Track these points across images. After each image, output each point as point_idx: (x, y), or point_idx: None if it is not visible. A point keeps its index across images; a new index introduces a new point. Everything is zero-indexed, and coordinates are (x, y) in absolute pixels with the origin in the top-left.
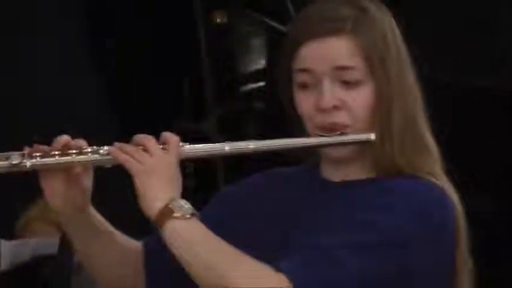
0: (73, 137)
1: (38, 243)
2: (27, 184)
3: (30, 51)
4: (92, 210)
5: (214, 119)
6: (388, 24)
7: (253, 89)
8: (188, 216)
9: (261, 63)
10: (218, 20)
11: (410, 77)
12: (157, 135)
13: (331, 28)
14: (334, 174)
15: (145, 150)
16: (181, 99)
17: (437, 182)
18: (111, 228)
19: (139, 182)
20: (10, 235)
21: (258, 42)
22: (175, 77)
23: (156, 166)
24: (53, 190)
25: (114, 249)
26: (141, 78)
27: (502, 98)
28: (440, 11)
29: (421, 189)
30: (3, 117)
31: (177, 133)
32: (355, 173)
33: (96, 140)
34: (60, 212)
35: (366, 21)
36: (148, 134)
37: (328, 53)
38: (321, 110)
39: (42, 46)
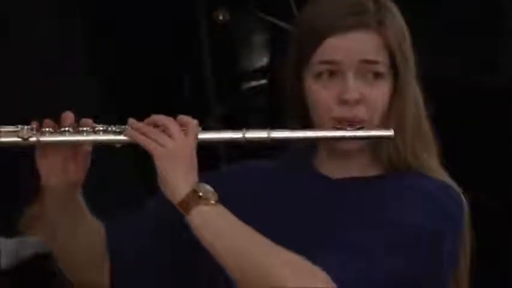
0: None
1: (39, 241)
2: (29, 181)
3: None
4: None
5: (217, 117)
6: (403, 21)
7: (255, 87)
8: (213, 202)
9: (263, 61)
10: (220, 18)
11: (415, 75)
12: None
13: (358, 22)
14: (334, 168)
15: (164, 131)
16: (183, 98)
17: (449, 181)
18: (87, 210)
19: (162, 166)
20: (11, 233)
21: (260, 40)
22: (177, 76)
23: (179, 150)
24: (52, 166)
25: (91, 231)
26: (142, 76)
27: (499, 96)
28: (437, 9)
29: (443, 188)
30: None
31: None
32: (357, 167)
33: None
34: (53, 189)
35: (389, 17)
36: None
37: (355, 46)
38: (343, 102)
39: (42, 45)
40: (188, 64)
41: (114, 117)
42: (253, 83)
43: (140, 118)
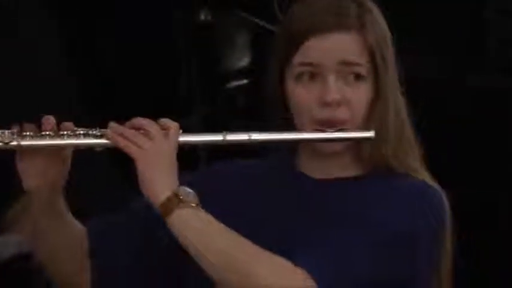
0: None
1: (21, 240)
2: (11, 181)
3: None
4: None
5: (199, 117)
6: (385, 23)
7: (238, 87)
8: (194, 204)
9: (245, 61)
10: (203, 19)
11: (396, 76)
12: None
13: (339, 23)
14: (315, 169)
15: (145, 134)
16: (166, 98)
17: (431, 182)
18: (68, 212)
19: (143, 169)
20: None
21: (243, 41)
22: (160, 76)
23: (160, 152)
24: (32, 170)
25: (73, 233)
26: (125, 77)
27: (486, 96)
28: (424, 7)
29: (423, 189)
30: None
31: None
32: (338, 168)
33: None
34: (33, 192)
35: (370, 19)
36: None
37: (336, 47)
38: (325, 104)
39: (21, 46)
40: (171, 64)
41: (96, 119)
42: (236, 83)
43: (123, 118)
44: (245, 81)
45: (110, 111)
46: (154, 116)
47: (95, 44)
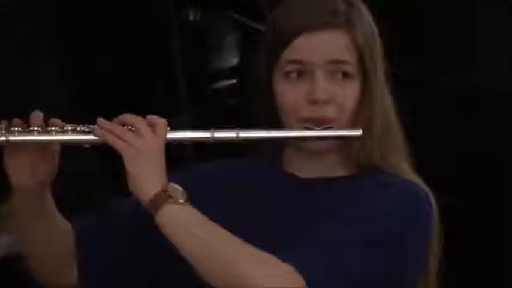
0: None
1: (11, 240)
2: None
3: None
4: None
5: (188, 116)
6: (373, 22)
7: (226, 86)
8: (182, 201)
9: (233, 61)
10: (191, 18)
11: (384, 76)
12: None
13: (327, 21)
14: (302, 168)
15: (133, 130)
16: (155, 98)
17: (419, 182)
18: (56, 210)
19: (131, 165)
20: None
21: (230, 40)
22: (149, 75)
23: (148, 149)
24: (20, 166)
25: (60, 231)
26: (113, 77)
27: (465, 97)
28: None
29: (412, 189)
30: None
31: None
32: (325, 167)
33: None
34: (21, 189)
35: (358, 17)
36: None
37: (324, 46)
38: (312, 102)
39: (12, 45)
40: (160, 64)
41: (86, 118)
42: (225, 83)
43: (111, 118)
44: (234, 80)
45: (98, 110)
46: (140, 115)
47: (84, 43)
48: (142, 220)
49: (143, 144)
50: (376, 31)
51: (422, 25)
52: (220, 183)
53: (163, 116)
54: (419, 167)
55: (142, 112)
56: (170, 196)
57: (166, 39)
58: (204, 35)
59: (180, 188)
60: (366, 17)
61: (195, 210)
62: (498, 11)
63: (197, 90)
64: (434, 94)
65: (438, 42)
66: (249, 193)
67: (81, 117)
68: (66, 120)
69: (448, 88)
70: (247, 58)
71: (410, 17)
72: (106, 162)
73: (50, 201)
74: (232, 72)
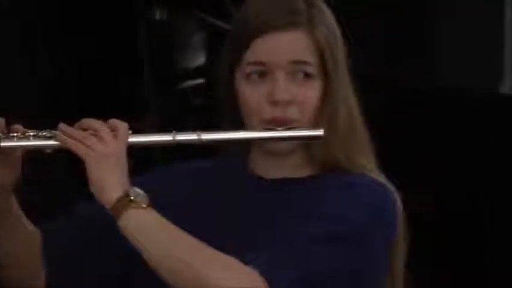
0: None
1: None
2: None
3: None
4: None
5: (154, 116)
6: (334, 22)
7: (192, 86)
8: (145, 205)
9: (200, 60)
10: (158, 17)
11: (347, 75)
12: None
13: (288, 22)
14: (267, 169)
15: (94, 135)
16: (121, 98)
17: (384, 181)
18: (22, 214)
19: (92, 170)
20: None
21: (198, 40)
22: (114, 75)
23: (109, 153)
24: None
25: (27, 236)
26: (79, 76)
27: (437, 97)
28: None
29: (376, 188)
30: None
31: None
32: (290, 168)
33: None
34: None
35: (319, 17)
36: None
37: (284, 46)
38: (274, 103)
39: None
40: (126, 64)
41: (52, 118)
42: (192, 83)
43: (78, 117)
44: (201, 80)
45: (64, 110)
46: (110, 116)
47: (50, 43)
48: (109, 224)
49: (104, 149)
50: (338, 31)
51: (390, 25)
52: (187, 185)
53: (129, 116)
54: (387, 167)
55: (109, 112)
56: (132, 201)
57: (133, 38)
58: (171, 35)
59: (142, 192)
60: (327, 17)
61: (158, 215)
62: (464, 11)
63: (164, 90)
64: (403, 94)
65: (404, 42)
66: (216, 195)
67: (47, 117)
68: (31, 119)
69: (416, 89)
70: (214, 58)
71: (377, 17)
72: (72, 165)
73: (15, 206)
74: (199, 71)
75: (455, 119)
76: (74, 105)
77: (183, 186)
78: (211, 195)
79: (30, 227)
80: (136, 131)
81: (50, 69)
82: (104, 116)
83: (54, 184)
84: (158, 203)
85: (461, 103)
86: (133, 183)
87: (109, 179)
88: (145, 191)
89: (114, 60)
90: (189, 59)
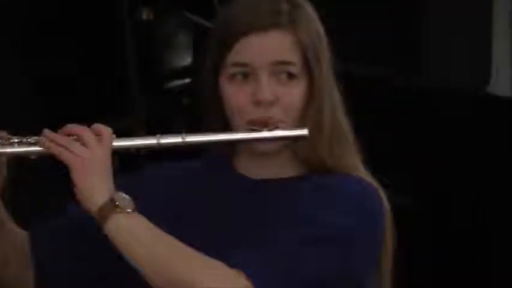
0: None
1: None
2: None
3: None
4: None
5: (140, 116)
6: (318, 22)
7: (179, 86)
8: (130, 210)
9: (187, 60)
10: (144, 17)
11: (332, 75)
12: None
13: (271, 22)
14: (253, 169)
15: (78, 140)
16: (107, 98)
17: (370, 181)
18: (9, 218)
19: (77, 176)
20: None
21: (184, 39)
22: (100, 75)
23: (93, 158)
24: None
25: (14, 240)
26: (64, 76)
27: (425, 97)
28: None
29: (363, 188)
30: None
31: None
32: (276, 168)
33: None
34: None
35: (303, 17)
36: None
37: (267, 47)
38: (257, 104)
39: None
40: (111, 64)
41: (36, 119)
42: (177, 83)
43: (63, 119)
44: (186, 80)
45: (51, 111)
46: (96, 116)
47: (35, 43)
48: (97, 225)
49: (88, 154)
50: (322, 30)
51: (377, 25)
52: (176, 185)
53: (116, 116)
54: (373, 167)
55: (95, 112)
56: (117, 206)
57: (119, 38)
58: (157, 35)
59: (127, 196)
60: (311, 16)
61: (143, 219)
62: (452, 10)
63: (151, 90)
64: (390, 94)
65: (392, 41)
66: (206, 195)
67: (35, 118)
68: (18, 120)
69: (403, 88)
70: (200, 58)
71: (364, 16)
72: (61, 167)
73: (1, 210)
74: (185, 71)
75: (442, 118)
76: (60, 105)
77: (172, 186)
78: (201, 195)
79: (15, 230)
80: (123, 132)
81: (37, 69)
82: (90, 116)
83: (43, 185)
84: (147, 203)
85: (449, 102)
86: (122, 182)
87: (94, 185)
88: (134, 191)
89: (101, 60)
90: (175, 59)
